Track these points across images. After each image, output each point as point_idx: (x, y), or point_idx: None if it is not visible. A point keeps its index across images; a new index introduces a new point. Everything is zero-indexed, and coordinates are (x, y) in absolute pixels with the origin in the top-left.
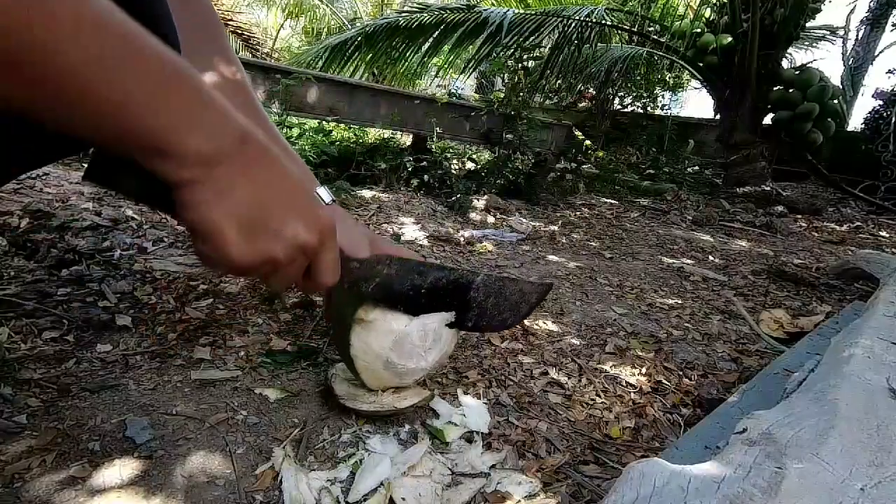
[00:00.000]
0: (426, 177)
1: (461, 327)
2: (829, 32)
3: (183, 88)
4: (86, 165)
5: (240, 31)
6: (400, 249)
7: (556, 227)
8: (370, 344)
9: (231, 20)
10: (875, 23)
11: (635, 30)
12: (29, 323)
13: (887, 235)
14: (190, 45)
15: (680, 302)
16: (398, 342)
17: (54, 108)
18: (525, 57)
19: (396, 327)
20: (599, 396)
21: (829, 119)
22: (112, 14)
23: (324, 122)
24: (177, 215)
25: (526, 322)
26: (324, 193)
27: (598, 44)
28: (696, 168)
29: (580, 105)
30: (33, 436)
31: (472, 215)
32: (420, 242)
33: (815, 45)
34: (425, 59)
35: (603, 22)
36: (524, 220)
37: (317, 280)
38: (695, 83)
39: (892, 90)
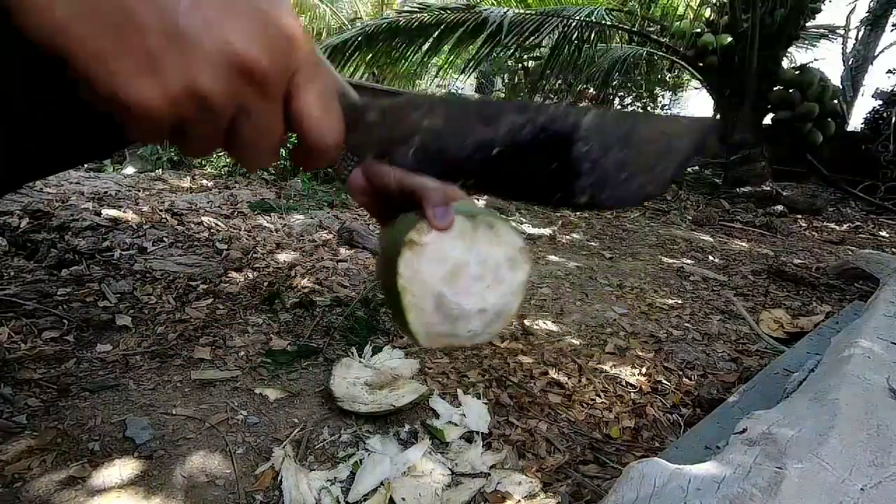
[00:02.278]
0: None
1: (571, 206)
2: (829, 32)
3: None
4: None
5: None
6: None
7: (556, 227)
8: (421, 272)
9: None
10: (875, 23)
11: (635, 30)
12: (29, 323)
13: (887, 235)
14: None
15: (680, 302)
16: (454, 272)
17: None
18: (525, 57)
19: (453, 254)
20: (599, 396)
21: (829, 119)
22: None
23: None
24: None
25: (526, 322)
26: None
27: (598, 44)
28: (696, 168)
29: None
30: (33, 436)
31: None
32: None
33: (815, 45)
34: (425, 59)
35: (603, 22)
36: (524, 220)
37: (304, 131)
38: (695, 83)
39: (892, 90)
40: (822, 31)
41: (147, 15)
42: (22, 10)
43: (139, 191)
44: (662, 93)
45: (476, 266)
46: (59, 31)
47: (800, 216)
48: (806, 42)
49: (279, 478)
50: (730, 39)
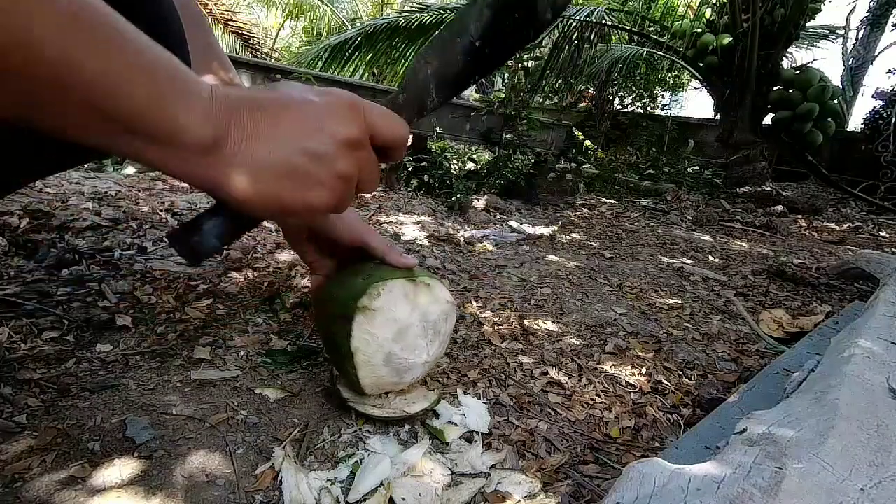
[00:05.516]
0: (426, 177)
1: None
2: (829, 32)
3: (169, 74)
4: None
5: (240, 31)
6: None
7: (556, 227)
8: (374, 334)
9: (231, 20)
10: (875, 23)
11: (635, 30)
12: (29, 323)
13: (887, 235)
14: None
15: (680, 302)
16: (402, 333)
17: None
18: (525, 57)
19: (401, 316)
20: (599, 396)
21: (829, 119)
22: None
23: None
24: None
25: (526, 322)
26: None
27: (599, 44)
28: (696, 168)
29: (580, 105)
30: (33, 436)
31: (472, 215)
32: (420, 242)
33: (815, 45)
34: None
35: (603, 22)
36: (524, 220)
37: (392, 143)
38: (695, 83)
39: (892, 90)
40: (822, 31)
41: (301, 159)
42: (243, 206)
43: (139, 191)
44: (662, 93)
45: (419, 324)
46: (274, 192)
47: (800, 216)
48: (806, 42)
49: (279, 478)
50: (730, 39)
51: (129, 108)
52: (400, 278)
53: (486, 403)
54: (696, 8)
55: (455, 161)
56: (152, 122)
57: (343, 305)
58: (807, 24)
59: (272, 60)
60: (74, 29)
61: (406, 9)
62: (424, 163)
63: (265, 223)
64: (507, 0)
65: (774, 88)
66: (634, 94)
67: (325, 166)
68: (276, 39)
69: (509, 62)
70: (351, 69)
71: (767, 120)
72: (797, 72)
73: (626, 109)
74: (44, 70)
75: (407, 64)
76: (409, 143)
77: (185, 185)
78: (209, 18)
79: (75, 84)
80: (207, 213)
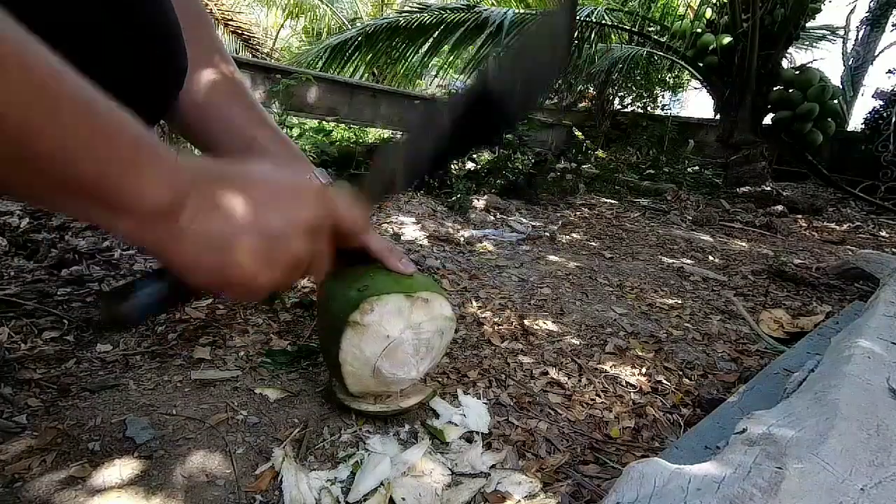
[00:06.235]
0: (426, 176)
1: (505, 123)
2: (829, 32)
3: (129, 142)
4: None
5: (240, 31)
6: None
7: (556, 227)
8: (362, 349)
9: (231, 20)
10: (875, 23)
11: (635, 30)
12: (29, 323)
13: (887, 235)
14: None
15: (680, 302)
16: (391, 350)
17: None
18: None
19: (392, 334)
20: (599, 396)
21: (829, 119)
22: (40, 58)
23: (324, 122)
24: (188, 289)
25: (526, 322)
26: (320, 175)
27: (599, 44)
28: (696, 168)
29: (580, 105)
30: (33, 436)
31: (472, 215)
32: (420, 242)
33: (815, 45)
34: (425, 59)
35: (603, 22)
36: (524, 220)
37: (355, 235)
38: (695, 83)
39: (892, 90)
40: (822, 31)
41: (255, 238)
42: (185, 275)
43: None
44: (662, 93)
45: (411, 342)
46: (226, 267)
47: (800, 216)
48: (806, 42)
49: (279, 478)
50: (730, 39)
51: (88, 176)
52: (396, 293)
53: (486, 403)
54: (696, 8)
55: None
56: (108, 189)
57: (335, 316)
58: (807, 24)
59: (272, 60)
60: (39, 100)
61: (406, 9)
62: None
63: None
64: (480, 100)
65: (774, 88)
66: (634, 94)
67: (279, 248)
68: (276, 39)
69: None
70: (351, 69)
71: (767, 120)
72: (797, 72)
73: (626, 109)
74: (2, 139)
75: (407, 64)
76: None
77: None
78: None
79: (34, 153)
80: (147, 277)
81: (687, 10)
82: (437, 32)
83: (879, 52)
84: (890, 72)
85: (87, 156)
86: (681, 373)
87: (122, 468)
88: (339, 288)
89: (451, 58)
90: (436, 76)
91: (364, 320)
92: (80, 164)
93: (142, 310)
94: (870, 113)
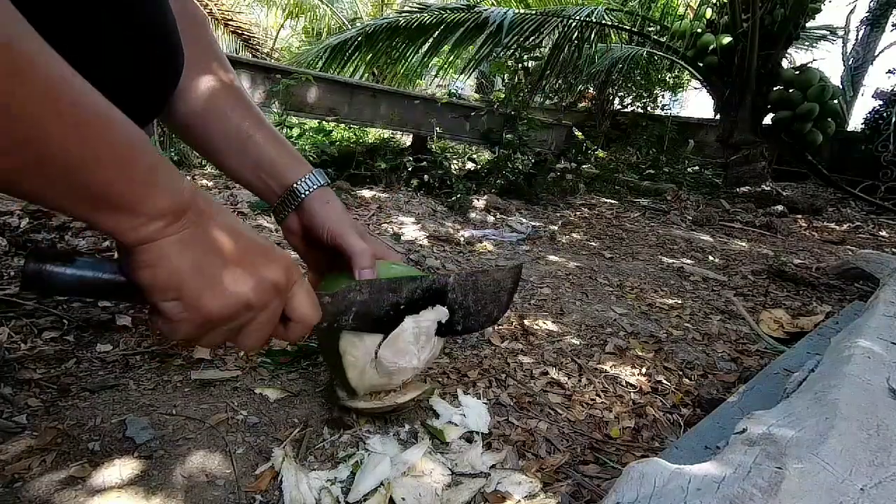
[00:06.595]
0: (426, 177)
1: (452, 334)
2: (829, 32)
3: (141, 149)
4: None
5: (240, 31)
6: (389, 250)
7: (556, 227)
8: (363, 338)
9: (231, 20)
10: (875, 23)
11: (635, 30)
12: (29, 323)
13: (887, 235)
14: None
15: (680, 302)
16: (392, 339)
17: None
18: (525, 57)
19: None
20: (599, 396)
21: (829, 119)
22: (66, 75)
23: (324, 122)
24: (129, 295)
25: (526, 322)
26: (319, 176)
27: (599, 44)
28: (696, 168)
29: (580, 105)
30: (33, 436)
31: (472, 215)
32: (420, 242)
33: (815, 45)
34: (425, 59)
35: (603, 22)
36: (524, 220)
37: (298, 320)
38: (695, 83)
39: (892, 90)
40: (822, 31)
41: (219, 269)
42: (150, 267)
43: None
44: (662, 93)
45: (411, 330)
46: (185, 280)
47: (800, 216)
48: (806, 42)
49: (279, 478)
50: (730, 39)
51: (98, 185)
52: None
53: (486, 403)
54: (696, 8)
55: (455, 161)
56: (116, 196)
57: None
58: (807, 24)
59: (272, 60)
60: (59, 111)
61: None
62: (424, 163)
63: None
64: (433, 295)
65: (774, 88)
66: (634, 94)
67: (237, 286)
68: (276, 39)
69: (509, 63)
70: (351, 69)
71: (767, 120)
72: (797, 72)
73: (626, 109)
74: (20, 145)
75: (407, 64)
76: (413, 150)
77: None
78: (209, 18)
79: (50, 160)
80: (92, 259)
81: (687, 10)
82: (437, 32)
83: (879, 52)
84: (890, 72)
85: (101, 167)
86: (681, 373)
87: (122, 468)
88: (336, 283)
89: (451, 58)
90: (436, 76)
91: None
92: (93, 175)
93: (67, 282)
94: (870, 113)
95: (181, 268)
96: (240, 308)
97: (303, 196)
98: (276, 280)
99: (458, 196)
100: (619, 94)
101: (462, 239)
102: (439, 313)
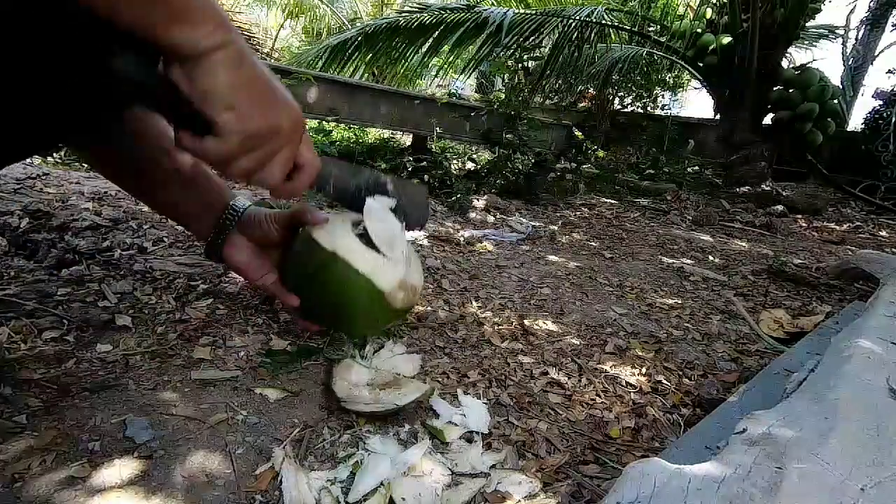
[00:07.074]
0: (426, 177)
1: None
2: (829, 32)
3: None
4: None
5: (240, 31)
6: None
7: (556, 227)
8: (336, 233)
9: (231, 20)
10: (875, 23)
11: (635, 30)
12: (29, 323)
13: (887, 235)
14: None
15: (680, 302)
16: (367, 212)
17: None
18: (525, 57)
19: (351, 218)
20: (599, 396)
21: (829, 119)
22: None
23: (324, 122)
24: (181, 106)
25: (526, 322)
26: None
27: (599, 44)
28: (696, 168)
29: (580, 105)
30: (33, 436)
31: (472, 215)
32: (420, 242)
33: (815, 45)
34: (425, 59)
35: (603, 22)
36: (524, 220)
37: (306, 163)
38: (695, 83)
39: (892, 90)
40: (822, 31)
41: (258, 98)
42: (210, 75)
43: None
44: (662, 93)
45: (377, 210)
46: (238, 89)
47: (800, 216)
48: (806, 42)
49: (279, 478)
50: (730, 39)
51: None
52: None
53: (486, 403)
54: (696, 8)
55: (455, 161)
56: (188, 8)
57: (302, 248)
58: (807, 24)
59: (272, 60)
60: None
61: (406, 9)
62: (424, 163)
63: None
64: (378, 189)
65: (774, 88)
66: (634, 94)
67: (277, 110)
68: (276, 39)
69: (509, 63)
70: (351, 69)
71: (767, 120)
72: (797, 72)
73: (626, 109)
74: None
75: (407, 64)
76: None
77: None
78: None
79: None
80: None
81: (687, 10)
82: (437, 32)
83: (879, 52)
84: (890, 72)
85: None
86: (681, 373)
87: (122, 468)
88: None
89: (451, 58)
90: (436, 76)
91: (319, 220)
92: None
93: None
94: (870, 113)
95: (236, 82)
96: (278, 130)
97: (243, 208)
98: (298, 117)
99: (458, 196)
100: (619, 94)
101: (462, 239)
102: (389, 201)
